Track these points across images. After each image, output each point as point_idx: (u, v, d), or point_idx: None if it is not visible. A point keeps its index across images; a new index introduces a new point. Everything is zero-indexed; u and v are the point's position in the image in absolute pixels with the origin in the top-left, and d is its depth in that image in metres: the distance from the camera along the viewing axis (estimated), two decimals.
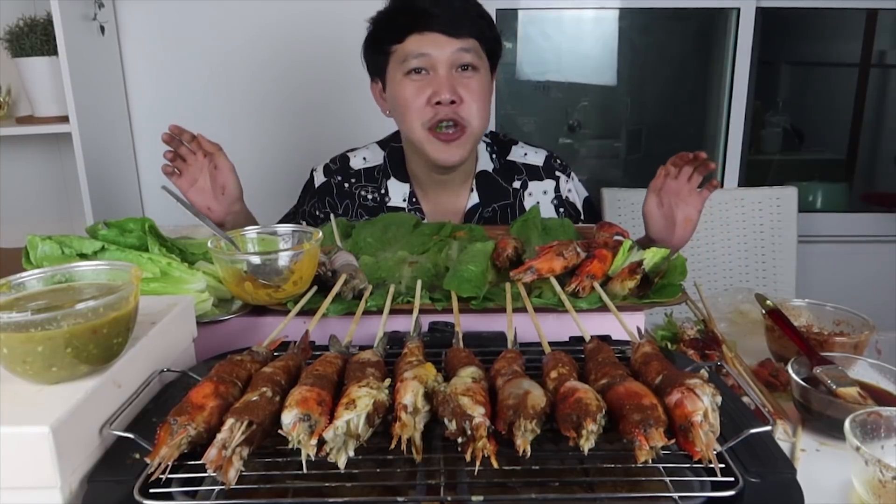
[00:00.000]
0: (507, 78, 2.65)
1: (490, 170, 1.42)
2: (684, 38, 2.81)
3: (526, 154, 1.45)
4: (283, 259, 0.89)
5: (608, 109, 2.92)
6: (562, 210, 1.43)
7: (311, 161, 1.53)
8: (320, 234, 0.93)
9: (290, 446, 0.57)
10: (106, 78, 2.16)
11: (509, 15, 2.47)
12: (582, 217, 1.44)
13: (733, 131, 2.43)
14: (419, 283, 0.93)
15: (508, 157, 1.44)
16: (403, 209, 1.40)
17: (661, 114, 2.97)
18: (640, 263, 0.93)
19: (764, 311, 1.02)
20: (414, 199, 1.41)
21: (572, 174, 1.46)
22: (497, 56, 1.34)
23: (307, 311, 0.87)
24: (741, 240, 2.00)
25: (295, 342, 0.77)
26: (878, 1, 2.41)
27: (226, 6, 2.22)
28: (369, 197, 1.42)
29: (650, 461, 0.55)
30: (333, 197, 1.43)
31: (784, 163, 2.96)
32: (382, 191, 1.42)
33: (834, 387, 0.82)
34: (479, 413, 0.58)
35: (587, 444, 0.56)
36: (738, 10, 2.32)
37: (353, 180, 1.43)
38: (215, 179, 1.26)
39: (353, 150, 1.48)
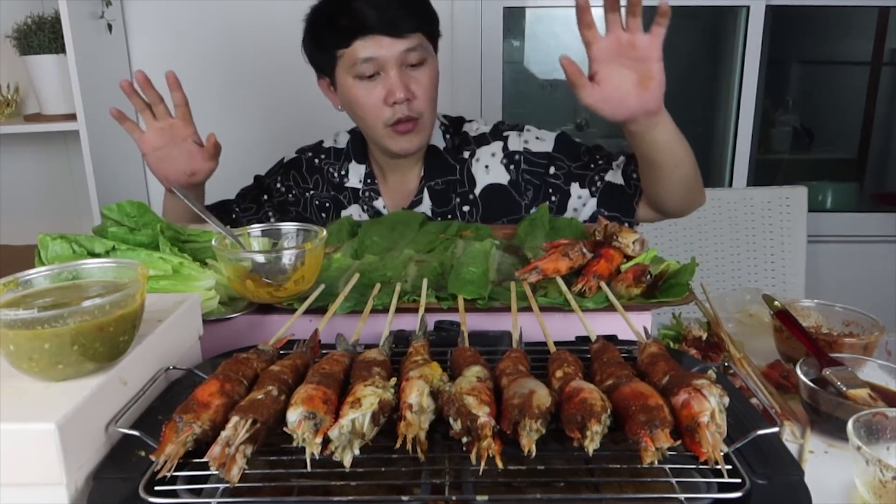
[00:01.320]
0: (514, 76, 2.64)
1: (441, 147, 1.41)
2: (693, 36, 2.79)
3: (478, 128, 1.43)
4: (287, 258, 0.89)
5: None
6: (513, 167, 1.35)
7: None
8: (324, 232, 0.93)
9: (294, 444, 0.57)
10: (113, 76, 2.17)
11: (517, 13, 2.46)
12: (558, 156, 1.33)
13: (742, 130, 2.42)
14: (425, 281, 0.92)
15: (462, 130, 1.43)
16: (359, 190, 1.42)
17: (669, 112, 2.95)
18: (644, 271, 0.92)
19: (772, 312, 1.02)
20: (370, 181, 1.43)
21: (528, 128, 1.39)
22: (438, 36, 1.32)
23: (313, 310, 0.87)
24: (750, 240, 1.99)
25: (302, 341, 0.77)
26: None
27: (234, 4, 2.23)
28: (336, 175, 1.44)
29: (656, 462, 0.55)
30: (302, 171, 1.45)
31: (794, 162, 2.94)
32: (343, 172, 1.44)
33: (844, 388, 0.81)
34: (483, 412, 0.57)
35: (591, 445, 0.55)
36: (748, 7, 2.31)
37: (322, 156, 1.46)
38: (192, 158, 1.24)
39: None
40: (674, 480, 0.57)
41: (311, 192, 1.44)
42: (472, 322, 0.87)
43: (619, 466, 0.58)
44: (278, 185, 1.46)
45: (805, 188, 1.98)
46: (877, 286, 2.40)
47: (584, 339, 0.81)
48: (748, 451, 0.59)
